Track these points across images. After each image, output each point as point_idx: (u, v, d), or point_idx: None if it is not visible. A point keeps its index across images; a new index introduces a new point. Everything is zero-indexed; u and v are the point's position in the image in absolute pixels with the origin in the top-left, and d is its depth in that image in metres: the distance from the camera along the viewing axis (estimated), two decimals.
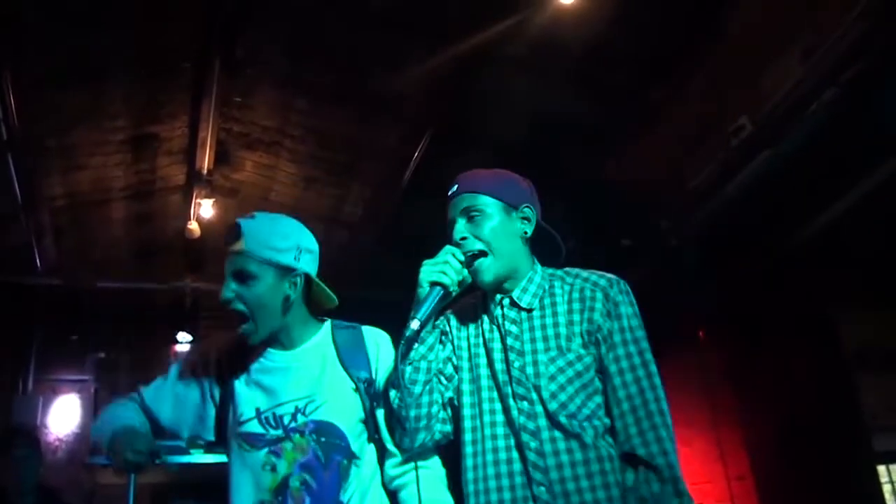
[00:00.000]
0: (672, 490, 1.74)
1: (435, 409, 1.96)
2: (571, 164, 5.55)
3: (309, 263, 2.08)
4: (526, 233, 2.07)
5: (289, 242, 2.05)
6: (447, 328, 2.13)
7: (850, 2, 3.67)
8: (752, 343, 5.28)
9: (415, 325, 1.88)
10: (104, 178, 6.01)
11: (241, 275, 1.98)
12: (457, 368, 2.06)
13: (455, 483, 2.02)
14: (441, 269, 1.91)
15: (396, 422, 1.95)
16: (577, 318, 1.96)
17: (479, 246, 1.99)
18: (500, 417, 1.94)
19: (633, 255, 5.59)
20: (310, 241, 2.12)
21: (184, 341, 7.50)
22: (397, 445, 2.01)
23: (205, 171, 5.98)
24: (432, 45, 4.62)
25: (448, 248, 1.98)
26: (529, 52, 4.60)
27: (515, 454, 1.89)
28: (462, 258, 1.95)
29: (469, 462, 1.95)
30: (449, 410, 2.03)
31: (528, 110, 5.12)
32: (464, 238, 1.99)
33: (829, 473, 4.98)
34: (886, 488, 5.90)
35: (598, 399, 1.90)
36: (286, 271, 2.02)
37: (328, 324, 2.18)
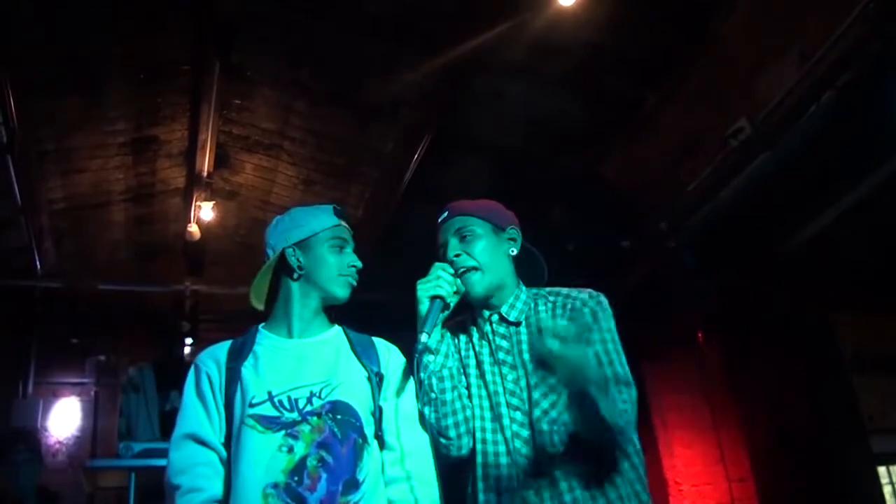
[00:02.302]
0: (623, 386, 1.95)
1: (469, 412, 2.07)
2: (571, 166, 5.56)
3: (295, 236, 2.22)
4: (513, 251, 2.22)
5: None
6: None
7: (848, 4, 3.67)
8: (751, 345, 5.29)
9: (423, 338, 1.97)
10: (104, 181, 6.02)
11: None
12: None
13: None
14: (436, 284, 2.05)
15: (439, 435, 2.04)
16: (561, 324, 2.05)
17: (471, 263, 2.12)
18: (489, 425, 2.05)
19: (633, 256, 5.60)
20: (284, 220, 2.28)
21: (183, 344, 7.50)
22: (446, 459, 2.07)
23: (204, 174, 5.98)
24: (431, 48, 4.63)
25: (437, 264, 2.12)
26: (528, 56, 4.60)
27: (506, 459, 1.99)
28: (451, 271, 2.08)
29: (466, 465, 2.04)
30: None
31: (526, 113, 5.13)
32: (457, 255, 2.13)
33: (829, 475, 4.98)
34: (887, 490, 5.91)
35: None
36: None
37: (339, 327, 2.24)
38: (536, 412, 1.98)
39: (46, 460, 4.48)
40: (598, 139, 5.34)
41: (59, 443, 7.16)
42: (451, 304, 2.08)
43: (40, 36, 4.36)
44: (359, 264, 2.17)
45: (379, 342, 2.22)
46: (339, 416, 1.97)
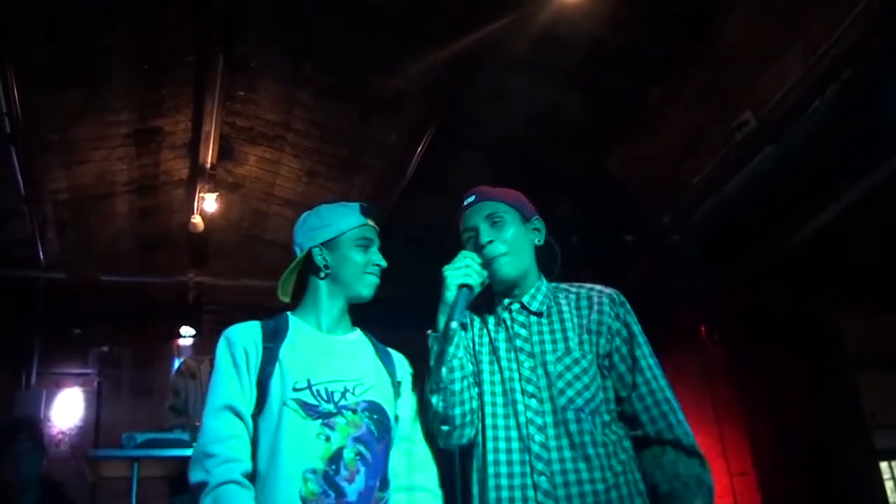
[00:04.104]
0: (698, 461, 2.04)
1: (475, 403, 2.07)
2: (574, 160, 5.55)
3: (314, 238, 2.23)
4: (538, 241, 2.24)
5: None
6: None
7: (850, 1, 3.66)
8: (753, 340, 5.29)
9: (454, 325, 1.97)
10: (107, 172, 6.02)
11: None
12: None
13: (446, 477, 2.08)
14: (465, 273, 2.05)
15: (442, 423, 2.04)
16: (584, 317, 2.13)
17: (502, 248, 2.13)
18: (501, 410, 2.05)
19: (636, 251, 5.59)
20: (312, 219, 2.28)
21: (187, 335, 7.51)
22: (444, 446, 2.08)
23: (208, 166, 5.99)
24: (434, 41, 4.62)
25: (464, 252, 2.12)
26: (531, 50, 4.59)
27: (517, 445, 1.99)
28: (479, 260, 2.09)
29: (475, 451, 2.05)
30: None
31: (530, 107, 5.12)
32: (490, 241, 2.13)
33: (830, 471, 4.99)
34: (889, 485, 5.92)
35: (602, 395, 2.04)
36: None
37: (360, 330, 2.27)
38: (562, 400, 2.00)
39: (49, 450, 4.49)
40: (603, 134, 5.34)
41: (62, 433, 7.19)
42: (475, 294, 2.08)
43: (44, 27, 4.36)
44: (383, 263, 2.20)
45: (395, 353, 2.27)
46: (375, 416, 2.02)
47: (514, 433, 2.00)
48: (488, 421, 2.03)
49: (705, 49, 4.49)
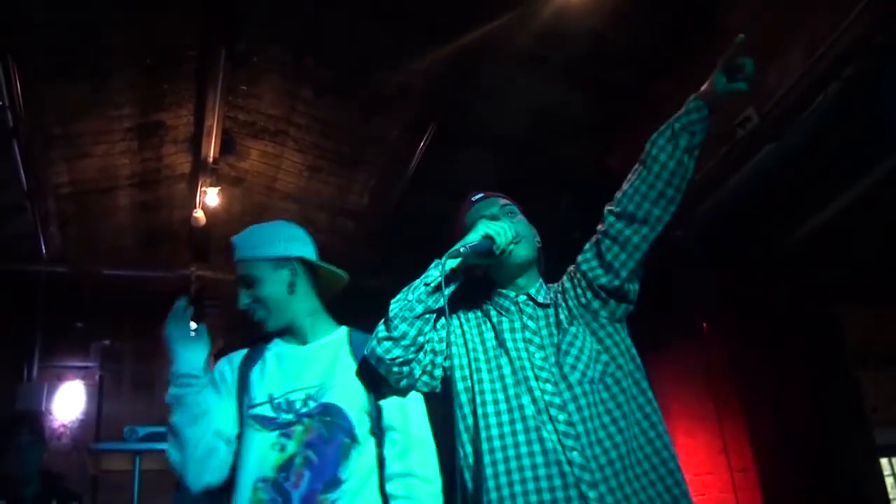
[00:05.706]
0: None
1: (421, 339, 2.07)
2: (575, 156, 5.55)
3: (300, 248, 2.27)
4: (540, 243, 2.30)
5: (272, 236, 2.27)
6: (453, 320, 2.26)
7: None
8: (754, 337, 5.28)
9: (463, 250, 2.03)
10: (110, 166, 6.03)
11: (245, 280, 2.22)
12: (449, 345, 2.16)
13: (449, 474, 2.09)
14: (498, 230, 2.08)
15: (384, 325, 2.06)
16: (570, 306, 2.19)
17: (520, 231, 2.19)
18: (517, 401, 2.04)
19: None
20: (292, 229, 2.33)
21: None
22: (366, 350, 2.10)
23: (210, 160, 5.98)
24: (436, 36, 4.62)
25: (505, 221, 2.18)
26: (534, 45, 4.59)
27: (542, 432, 1.98)
28: (511, 236, 2.12)
29: (497, 443, 2.02)
30: (427, 358, 2.12)
31: (532, 103, 5.12)
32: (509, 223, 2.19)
33: (831, 466, 4.99)
34: (889, 481, 5.92)
35: (605, 356, 2.11)
36: (279, 261, 2.22)
37: (345, 329, 2.31)
38: (575, 375, 2.04)
39: (51, 443, 4.51)
40: (605, 129, 5.33)
41: (64, 426, 7.21)
42: (482, 257, 2.10)
43: (47, 20, 4.36)
44: (240, 305, 2.25)
45: None
46: (327, 418, 2.07)
47: (536, 420, 2.01)
48: (517, 415, 2.03)
49: (707, 45, 4.48)
